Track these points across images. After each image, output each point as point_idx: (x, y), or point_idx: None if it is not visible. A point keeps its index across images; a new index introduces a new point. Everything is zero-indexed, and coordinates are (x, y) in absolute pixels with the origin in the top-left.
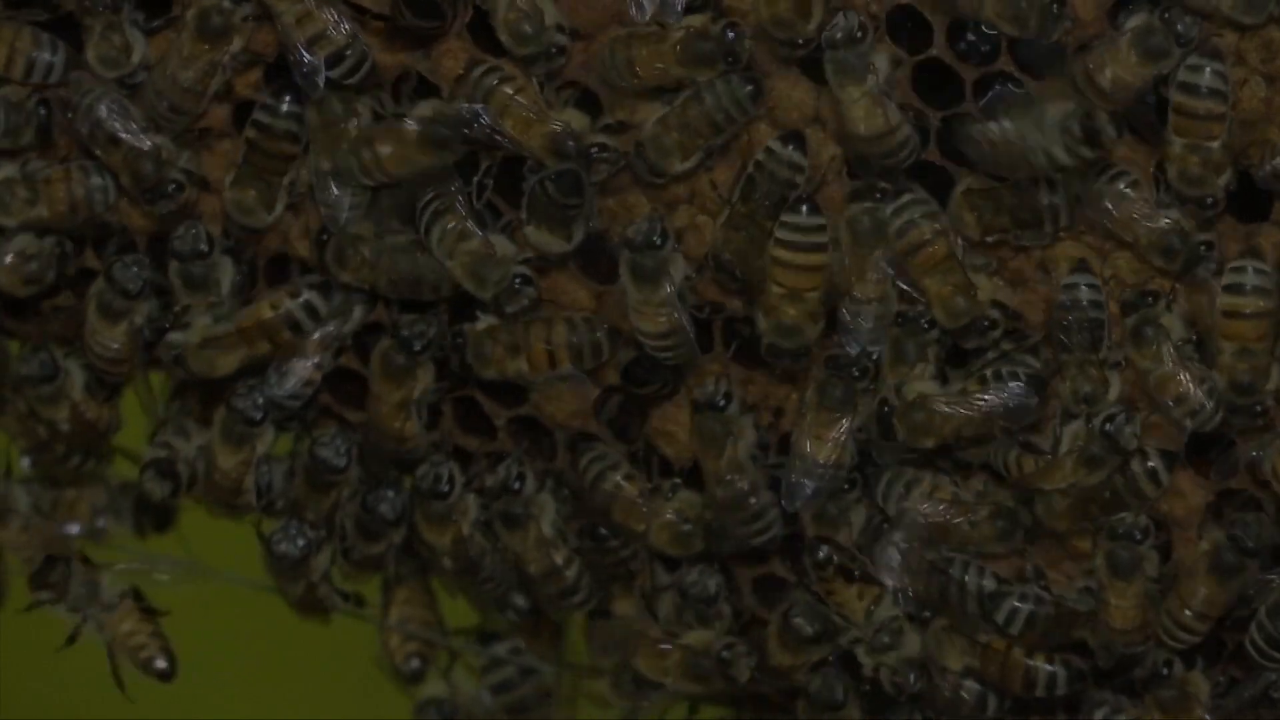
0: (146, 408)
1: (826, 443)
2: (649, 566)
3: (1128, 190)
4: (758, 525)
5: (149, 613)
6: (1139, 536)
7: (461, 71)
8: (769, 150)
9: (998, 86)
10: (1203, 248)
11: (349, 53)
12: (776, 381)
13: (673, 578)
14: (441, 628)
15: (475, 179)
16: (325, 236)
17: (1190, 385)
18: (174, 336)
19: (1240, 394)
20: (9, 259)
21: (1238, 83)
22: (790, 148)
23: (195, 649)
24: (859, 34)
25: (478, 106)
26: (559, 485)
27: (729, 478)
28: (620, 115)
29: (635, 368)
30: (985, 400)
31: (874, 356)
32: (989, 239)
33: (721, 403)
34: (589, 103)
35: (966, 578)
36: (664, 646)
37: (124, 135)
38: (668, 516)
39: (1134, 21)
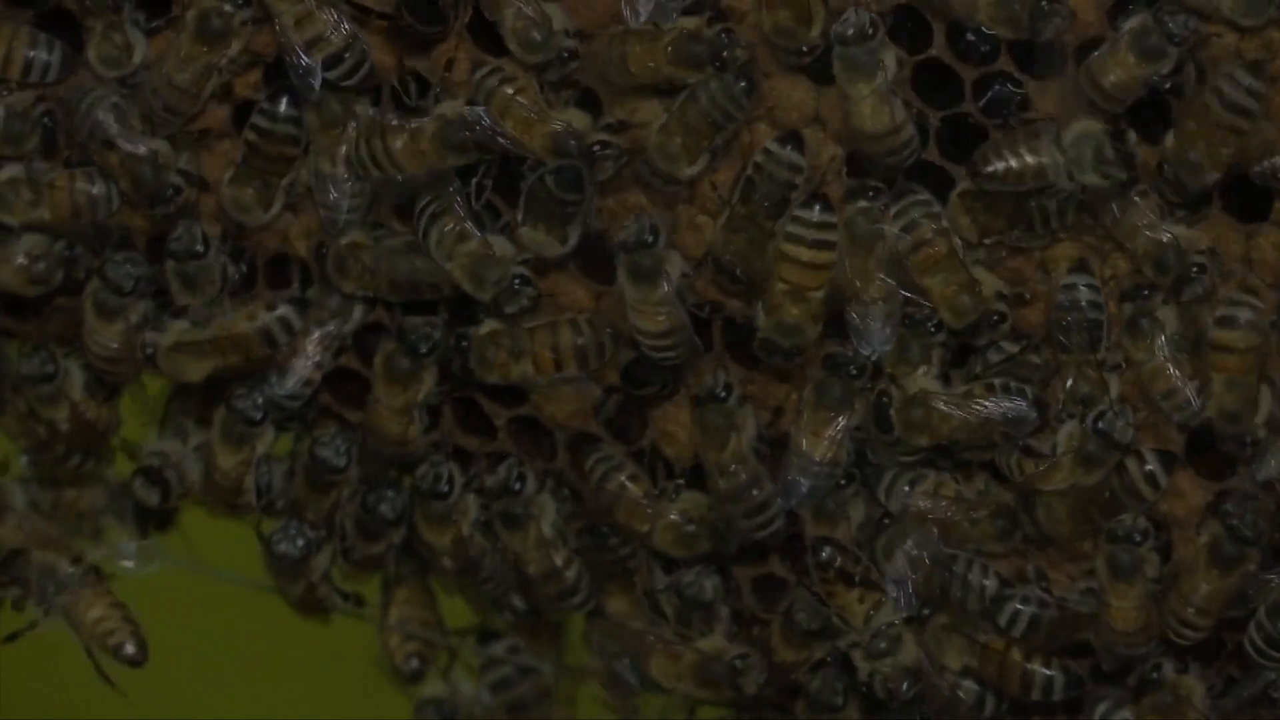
0: (145, 408)
1: (823, 440)
2: (648, 566)
3: (1136, 198)
4: (761, 517)
5: (118, 604)
6: (1139, 539)
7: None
8: (767, 151)
9: (997, 86)
10: (1194, 269)
11: (348, 54)
12: (775, 381)
13: (670, 579)
14: (441, 627)
15: (474, 180)
16: (324, 250)
17: (1179, 381)
18: (150, 335)
19: (1230, 423)
20: (18, 260)
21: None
22: (788, 148)
23: (195, 649)
24: (870, 30)
25: (479, 109)
26: (559, 485)
27: (732, 469)
28: (620, 114)
29: (635, 369)
30: (986, 407)
31: (872, 356)
32: (986, 241)
33: (722, 394)
34: (589, 103)
35: (970, 575)
36: (677, 649)
37: (121, 142)
38: (672, 517)
39: (1132, 23)
